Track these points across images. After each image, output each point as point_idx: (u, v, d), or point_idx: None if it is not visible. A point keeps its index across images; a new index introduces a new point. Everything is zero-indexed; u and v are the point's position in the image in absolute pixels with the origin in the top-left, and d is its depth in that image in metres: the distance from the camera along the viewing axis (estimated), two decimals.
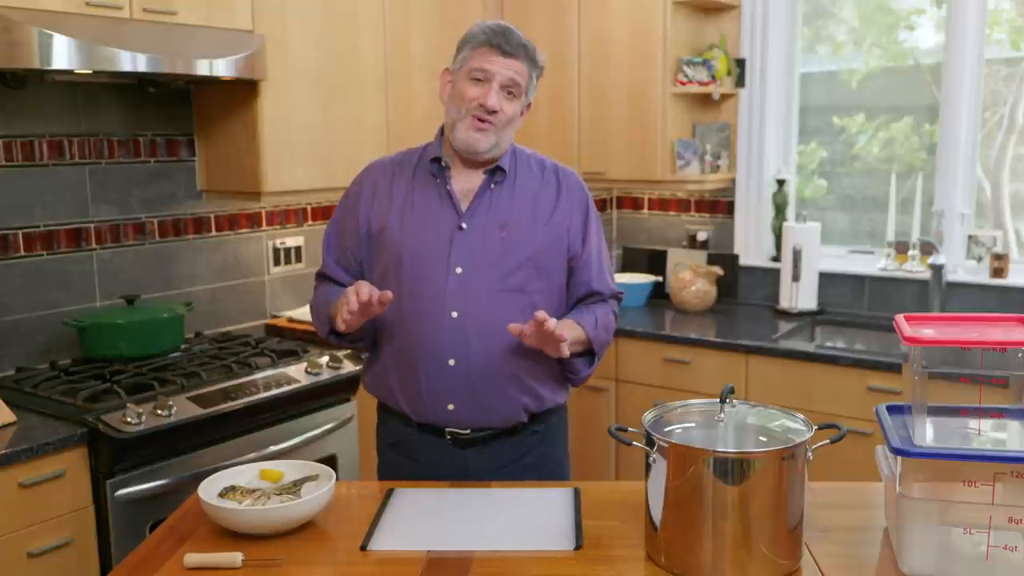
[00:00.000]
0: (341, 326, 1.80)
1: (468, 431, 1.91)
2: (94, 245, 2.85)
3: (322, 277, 2.05)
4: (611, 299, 2.02)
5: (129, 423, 2.25)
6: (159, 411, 2.33)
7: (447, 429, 1.91)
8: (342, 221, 2.01)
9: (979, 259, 3.35)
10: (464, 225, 1.88)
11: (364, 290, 1.74)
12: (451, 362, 1.85)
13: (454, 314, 1.85)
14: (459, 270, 1.86)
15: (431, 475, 1.91)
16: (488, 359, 1.86)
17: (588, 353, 1.95)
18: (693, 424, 1.55)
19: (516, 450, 1.95)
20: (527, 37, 1.92)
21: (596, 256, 1.99)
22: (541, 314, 1.71)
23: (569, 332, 1.82)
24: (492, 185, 1.91)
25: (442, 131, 1.98)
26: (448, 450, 1.92)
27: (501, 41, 1.83)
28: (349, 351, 2.92)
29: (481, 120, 1.84)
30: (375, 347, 2.01)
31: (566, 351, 1.77)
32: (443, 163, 1.92)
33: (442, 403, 1.88)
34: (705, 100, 3.75)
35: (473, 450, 1.92)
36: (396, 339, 1.91)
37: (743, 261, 3.83)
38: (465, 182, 1.92)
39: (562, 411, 2.06)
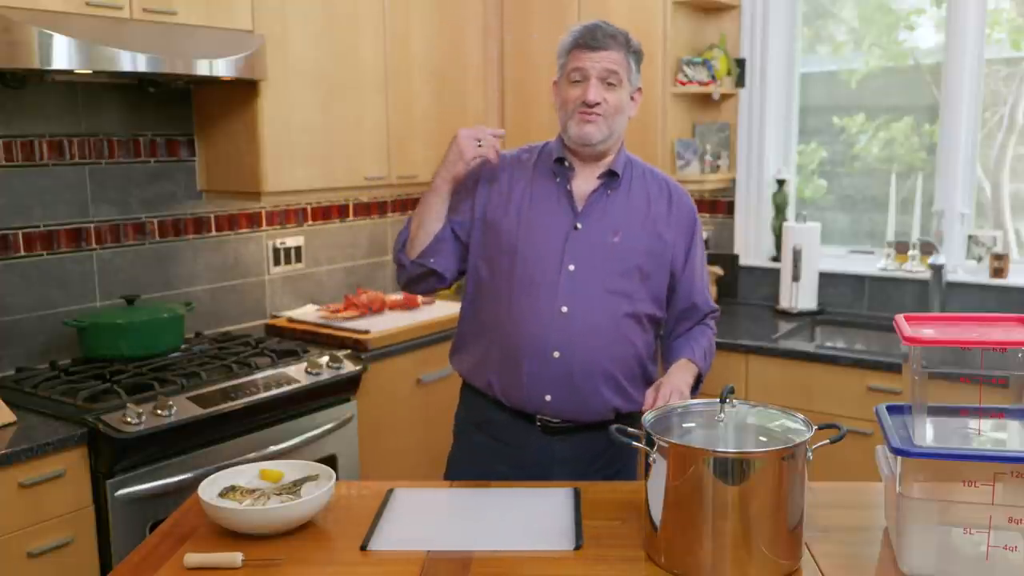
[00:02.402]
0: (460, 167, 1.93)
1: (558, 420, 1.96)
2: (94, 245, 2.85)
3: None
4: (709, 317, 2.10)
5: (129, 423, 2.25)
6: (159, 411, 2.33)
7: (538, 416, 1.96)
8: (458, 192, 2.03)
9: (979, 259, 3.35)
10: (579, 225, 1.94)
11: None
12: (556, 354, 1.91)
13: (564, 309, 1.91)
14: (572, 267, 1.92)
15: (515, 457, 1.97)
16: (590, 355, 1.92)
17: (696, 379, 2.01)
18: (693, 424, 1.55)
19: (599, 444, 1.99)
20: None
21: (700, 272, 2.07)
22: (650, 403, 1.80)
23: (685, 376, 1.93)
24: (608, 190, 1.97)
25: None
26: (536, 435, 1.97)
27: (588, 38, 1.91)
28: (349, 351, 2.93)
29: (586, 113, 1.90)
30: (468, 330, 2.05)
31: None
32: (567, 163, 1.98)
33: (541, 393, 1.93)
34: (705, 100, 3.75)
35: (559, 437, 1.97)
36: (503, 327, 1.95)
37: (743, 261, 3.83)
38: (582, 183, 1.98)
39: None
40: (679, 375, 1.92)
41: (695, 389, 2.00)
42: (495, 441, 2.02)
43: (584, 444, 1.98)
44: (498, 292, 1.97)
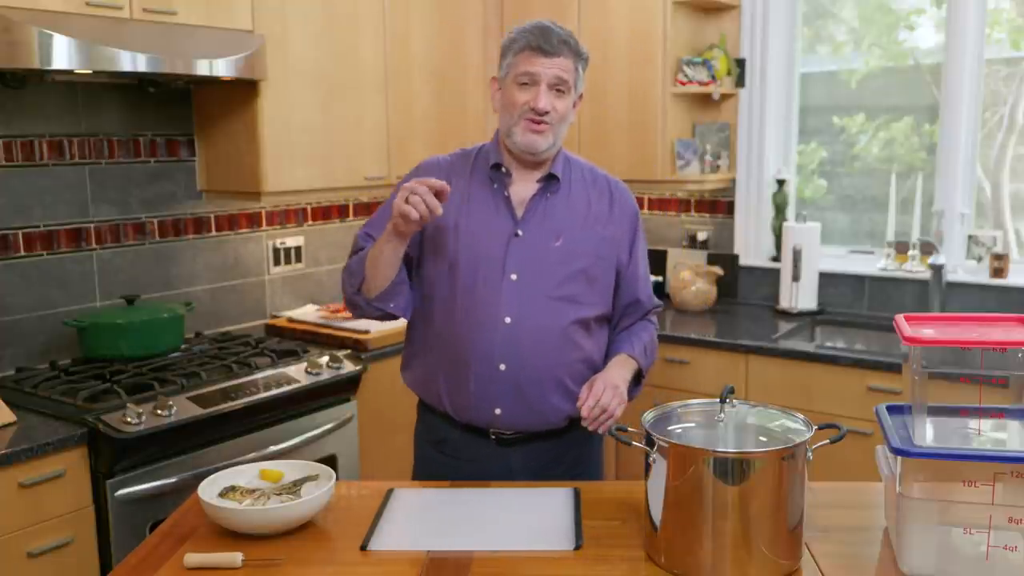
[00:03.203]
0: (399, 223, 1.73)
1: (511, 432, 1.93)
2: (94, 245, 2.85)
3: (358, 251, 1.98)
4: (652, 312, 2.07)
5: (129, 423, 2.25)
6: (159, 411, 2.33)
7: (491, 430, 1.93)
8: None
9: (979, 259, 3.35)
10: (520, 232, 1.90)
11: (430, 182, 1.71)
12: (502, 367, 1.87)
13: (508, 319, 1.86)
14: (514, 276, 1.87)
15: (473, 472, 1.93)
16: (538, 365, 1.88)
17: (636, 374, 1.97)
18: (693, 424, 1.55)
19: (556, 450, 1.97)
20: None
21: (643, 268, 2.04)
22: (585, 409, 1.76)
23: (623, 371, 1.89)
24: (547, 194, 1.93)
25: (497, 135, 1.97)
26: (491, 449, 1.94)
27: (542, 42, 1.83)
28: (349, 351, 2.93)
29: (535, 122, 1.84)
30: (415, 344, 2.00)
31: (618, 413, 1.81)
32: (504, 169, 1.93)
33: (490, 407, 1.89)
34: (705, 100, 3.75)
35: (515, 448, 1.94)
36: (447, 341, 1.91)
37: (743, 261, 3.83)
38: (521, 189, 1.93)
39: None
40: (616, 371, 1.87)
41: (637, 385, 1.98)
42: (451, 458, 1.97)
43: (540, 453, 1.94)
44: (441, 305, 1.91)
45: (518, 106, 1.85)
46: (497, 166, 1.93)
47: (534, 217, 1.91)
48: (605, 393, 1.77)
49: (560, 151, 1.96)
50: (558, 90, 1.85)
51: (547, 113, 1.84)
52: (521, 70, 1.84)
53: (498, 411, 1.89)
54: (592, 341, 1.96)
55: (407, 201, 1.71)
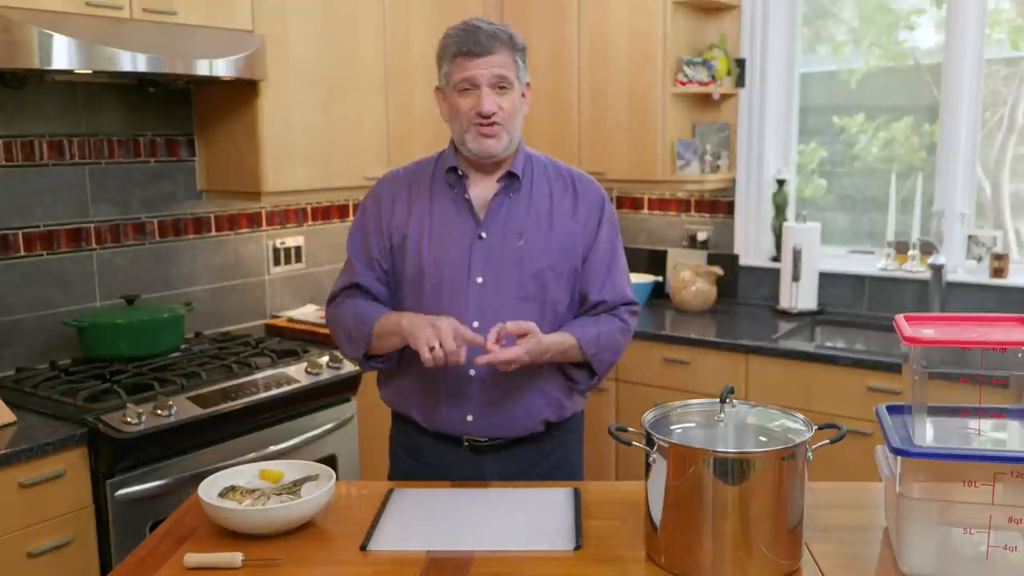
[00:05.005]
0: (428, 358, 1.73)
1: (485, 439, 1.90)
2: (94, 245, 2.85)
3: (349, 290, 1.97)
4: (623, 309, 1.95)
5: (129, 423, 2.26)
6: (159, 411, 2.33)
7: (464, 437, 1.90)
8: (365, 233, 1.96)
9: (979, 259, 3.35)
10: (483, 234, 1.87)
11: (450, 340, 1.71)
12: (471, 372, 1.85)
13: (475, 324, 1.83)
14: (480, 279, 1.85)
15: (446, 480, 1.90)
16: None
17: (588, 366, 1.90)
18: (693, 424, 1.55)
19: (533, 456, 1.94)
20: (524, 35, 1.91)
21: (606, 261, 1.93)
22: (491, 343, 1.72)
23: (553, 338, 1.81)
24: (510, 194, 1.90)
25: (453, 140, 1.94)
26: (465, 457, 1.91)
27: (470, 44, 1.80)
28: None
29: (485, 126, 1.82)
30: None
31: (512, 365, 1.75)
32: (460, 173, 1.90)
33: (461, 414, 1.87)
34: (705, 100, 3.75)
35: (489, 456, 1.91)
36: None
37: (743, 261, 3.83)
38: (482, 191, 1.91)
39: (579, 417, 2.05)
40: (546, 334, 1.79)
41: (592, 377, 1.90)
42: (423, 466, 1.95)
43: (515, 459, 1.91)
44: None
45: (465, 113, 1.82)
46: (453, 169, 1.91)
47: (496, 218, 1.88)
48: (526, 341, 1.72)
49: (520, 148, 1.92)
50: (500, 87, 1.82)
51: (494, 114, 1.81)
52: (458, 77, 1.83)
53: (470, 418, 1.87)
54: None
55: (430, 348, 1.71)
